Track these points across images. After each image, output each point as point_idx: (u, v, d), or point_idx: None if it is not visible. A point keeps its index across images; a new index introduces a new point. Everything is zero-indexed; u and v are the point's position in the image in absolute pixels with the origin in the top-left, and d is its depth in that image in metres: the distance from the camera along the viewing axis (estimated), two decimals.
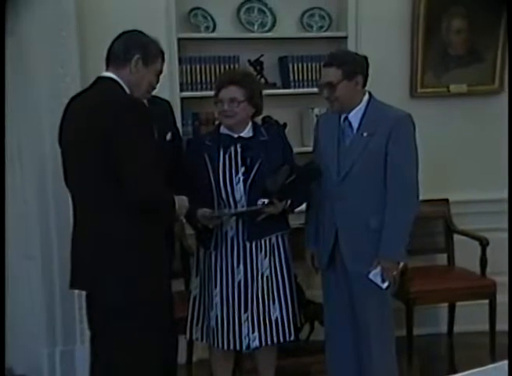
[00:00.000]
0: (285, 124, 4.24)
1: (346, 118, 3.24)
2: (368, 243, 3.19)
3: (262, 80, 4.26)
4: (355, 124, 3.22)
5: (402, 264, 3.24)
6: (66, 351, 3.83)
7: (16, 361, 3.93)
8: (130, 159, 2.62)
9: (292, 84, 4.30)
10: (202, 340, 3.41)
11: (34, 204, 3.75)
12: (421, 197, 3.27)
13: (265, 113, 3.61)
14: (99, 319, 2.82)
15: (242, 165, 3.26)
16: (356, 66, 3.19)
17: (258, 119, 3.57)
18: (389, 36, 4.35)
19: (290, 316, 3.34)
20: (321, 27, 4.39)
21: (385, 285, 3.17)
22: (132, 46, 2.81)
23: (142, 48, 2.82)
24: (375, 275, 3.16)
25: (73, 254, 2.85)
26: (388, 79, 4.28)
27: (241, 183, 3.24)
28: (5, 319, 3.46)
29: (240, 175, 3.25)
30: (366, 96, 3.25)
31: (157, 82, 2.97)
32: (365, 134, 3.18)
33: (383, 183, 3.17)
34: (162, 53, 2.94)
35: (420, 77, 4.40)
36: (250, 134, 3.32)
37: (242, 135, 3.30)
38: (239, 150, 3.27)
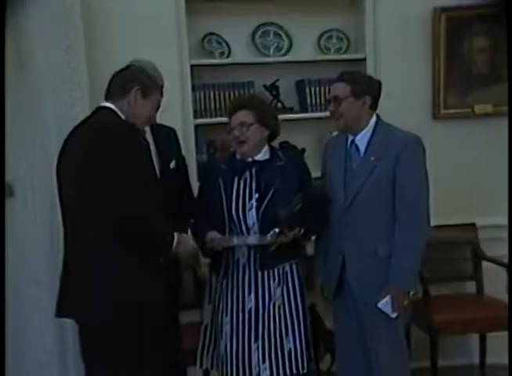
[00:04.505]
0: (303, 150, 4.16)
1: (353, 142, 3.15)
2: (376, 270, 3.07)
3: (279, 104, 4.20)
4: (362, 148, 3.13)
5: (412, 293, 3.10)
6: None
7: None
8: (121, 181, 2.62)
9: (309, 108, 4.22)
10: (212, 368, 3.34)
11: (44, 231, 3.74)
12: (447, 222, 3.16)
13: (282, 138, 3.55)
14: (91, 352, 2.76)
15: (256, 191, 3.18)
16: (366, 86, 3.11)
17: (276, 144, 3.49)
18: (409, 56, 4.22)
19: (304, 348, 3.22)
20: (339, 49, 4.30)
21: (395, 315, 3.04)
22: (131, 78, 2.88)
23: (140, 80, 2.87)
24: (384, 304, 3.04)
25: (63, 280, 2.80)
26: (410, 101, 4.20)
27: (254, 210, 3.16)
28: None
29: (254, 201, 3.17)
30: (374, 119, 3.15)
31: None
32: (372, 158, 3.08)
33: (391, 208, 3.05)
34: (161, 86, 3.00)
35: (443, 97, 4.27)
36: (267, 156, 3.24)
37: (257, 158, 3.22)
38: (253, 174, 3.20)
